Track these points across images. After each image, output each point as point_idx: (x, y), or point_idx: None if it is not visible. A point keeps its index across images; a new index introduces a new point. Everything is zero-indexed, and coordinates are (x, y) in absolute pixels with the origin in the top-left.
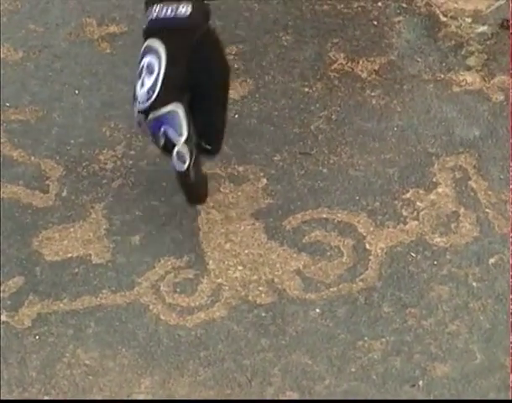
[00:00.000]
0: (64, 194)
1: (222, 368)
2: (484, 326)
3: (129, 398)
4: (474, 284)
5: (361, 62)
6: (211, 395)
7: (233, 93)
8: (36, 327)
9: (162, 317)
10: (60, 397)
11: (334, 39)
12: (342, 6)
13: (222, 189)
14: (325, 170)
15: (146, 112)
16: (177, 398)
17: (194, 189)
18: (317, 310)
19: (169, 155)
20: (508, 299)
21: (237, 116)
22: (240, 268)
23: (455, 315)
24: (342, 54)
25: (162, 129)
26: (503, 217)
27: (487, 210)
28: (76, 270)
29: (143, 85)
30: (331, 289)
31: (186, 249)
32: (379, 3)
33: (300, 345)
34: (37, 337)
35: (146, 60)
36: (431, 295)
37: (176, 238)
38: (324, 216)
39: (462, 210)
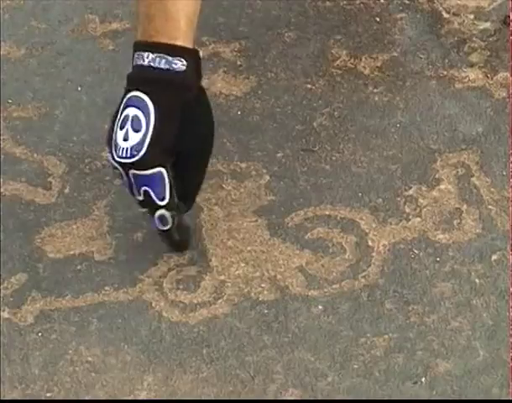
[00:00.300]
0: (66, 191)
1: (224, 365)
2: (487, 322)
3: (132, 395)
4: (477, 280)
5: (363, 59)
6: (214, 392)
7: (236, 90)
8: (39, 323)
9: (164, 314)
10: (63, 394)
11: (337, 35)
12: (345, 2)
13: (224, 186)
14: (327, 167)
15: (127, 166)
16: (180, 395)
17: (176, 243)
18: (320, 307)
19: (148, 213)
20: (510, 295)
21: (239, 112)
22: (243, 265)
23: (457, 311)
24: (344, 51)
25: (143, 189)
26: (505, 213)
27: (489, 207)
28: (79, 267)
29: (126, 139)
30: (334, 286)
31: (189, 246)
32: (382, 0)
33: (303, 342)
34: (39, 334)
35: (131, 112)
36: (433, 291)
37: None
38: (327, 212)
39: (464, 207)
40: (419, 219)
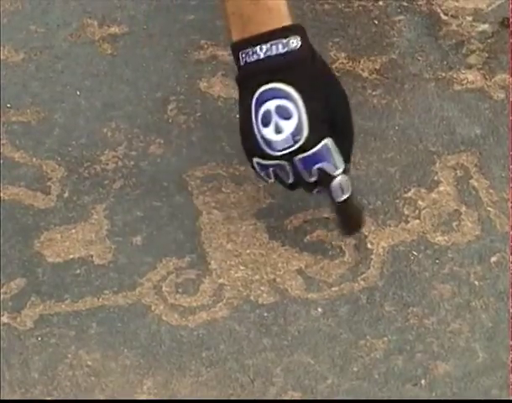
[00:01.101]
0: (65, 195)
1: (224, 369)
2: (486, 324)
3: (132, 399)
4: (476, 282)
5: (362, 61)
6: (214, 396)
7: (235, 93)
8: (38, 328)
9: (164, 318)
10: (63, 398)
11: (335, 38)
12: (343, 5)
13: (223, 189)
14: None
15: (293, 153)
16: (179, 398)
17: (353, 216)
18: (319, 309)
19: (322, 189)
20: (510, 297)
21: (238, 116)
22: (242, 268)
23: (457, 313)
24: (343, 54)
25: (316, 167)
26: (504, 215)
27: (488, 208)
28: (78, 271)
29: (280, 131)
30: (333, 288)
31: (188, 249)
32: (380, 2)
33: (302, 345)
34: (39, 339)
35: (272, 105)
36: (432, 293)
37: (178, 239)
38: (325, 215)
39: (463, 208)
40: (418, 221)
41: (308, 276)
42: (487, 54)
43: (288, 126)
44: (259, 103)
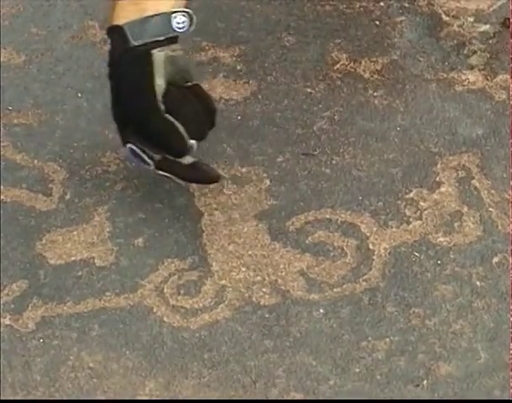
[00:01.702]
0: (67, 197)
1: (226, 370)
2: (488, 325)
3: (134, 399)
4: (478, 283)
5: (363, 62)
6: (216, 397)
7: (236, 95)
8: (40, 330)
9: (166, 319)
10: (65, 400)
11: (336, 39)
12: (344, 6)
13: (225, 190)
14: (328, 171)
15: None
16: (181, 399)
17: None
18: (321, 310)
19: None
20: (511, 298)
21: (239, 117)
22: (244, 269)
23: (459, 314)
24: (344, 55)
25: None
26: (506, 216)
27: (490, 209)
28: (80, 273)
29: None
30: (335, 289)
31: (190, 251)
32: (381, 3)
33: (305, 346)
34: (41, 341)
35: None
36: (434, 294)
37: (180, 240)
38: (327, 216)
39: (465, 209)
40: (419, 222)
41: (310, 277)
42: (488, 55)
43: None
44: None
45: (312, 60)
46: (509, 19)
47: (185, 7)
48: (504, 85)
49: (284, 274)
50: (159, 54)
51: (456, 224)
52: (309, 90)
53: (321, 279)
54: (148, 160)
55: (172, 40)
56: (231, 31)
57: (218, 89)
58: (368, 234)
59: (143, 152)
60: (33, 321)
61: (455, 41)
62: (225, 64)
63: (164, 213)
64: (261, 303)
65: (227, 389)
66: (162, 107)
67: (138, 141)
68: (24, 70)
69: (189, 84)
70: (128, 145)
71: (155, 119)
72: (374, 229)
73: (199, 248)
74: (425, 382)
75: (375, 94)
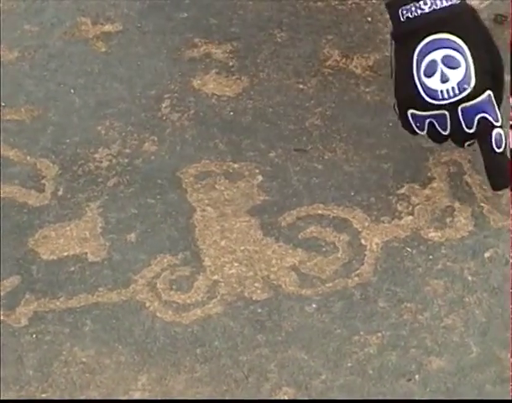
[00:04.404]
0: (60, 193)
1: (218, 365)
2: (480, 319)
3: (126, 395)
4: (469, 278)
5: (355, 58)
6: (208, 392)
7: (228, 90)
8: (33, 325)
9: (158, 314)
10: (57, 395)
11: (328, 35)
12: (337, 2)
13: (217, 186)
14: (320, 166)
15: (458, 103)
16: (174, 394)
17: (505, 171)
18: (313, 305)
19: (479, 141)
20: (503, 292)
21: (232, 113)
22: (236, 264)
23: (450, 309)
24: (336, 51)
25: (478, 117)
26: (498, 210)
27: (482, 204)
28: (72, 269)
29: (445, 80)
30: (327, 284)
31: (182, 246)
32: (373, 0)
33: (296, 341)
34: (34, 336)
35: (438, 55)
36: (426, 289)
37: (172, 236)
38: (319, 212)
39: (457, 204)
40: (411, 217)
41: (302, 272)
42: None
43: (455, 75)
44: (423, 54)
45: (304, 56)
46: (500, 15)
47: None
48: None
49: (276, 269)
50: None
51: (447, 219)
52: (301, 86)
53: (313, 274)
54: None
55: None
56: (223, 27)
57: (210, 85)
58: (359, 229)
59: None
60: (26, 316)
61: None
62: (217, 60)
63: (156, 209)
64: (253, 298)
65: (220, 384)
66: None
67: None
68: (17, 67)
69: None
70: None
71: None
72: (366, 224)
73: (191, 244)
74: (416, 376)
75: (367, 90)
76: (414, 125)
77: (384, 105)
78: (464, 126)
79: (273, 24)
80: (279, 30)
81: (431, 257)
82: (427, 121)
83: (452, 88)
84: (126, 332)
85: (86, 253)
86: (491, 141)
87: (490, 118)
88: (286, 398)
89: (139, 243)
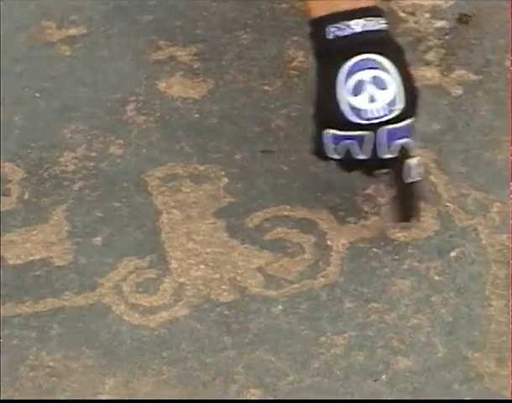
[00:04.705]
0: (25, 197)
1: (185, 367)
2: (446, 319)
3: (93, 398)
4: (436, 277)
5: None
6: (175, 394)
7: (193, 93)
8: None
9: (125, 318)
10: (24, 399)
11: (293, 36)
12: (301, 4)
13: (183, 188)
14: (285, 168)
15: (383, 124)
16: (141, 397)
17: (412, 202)
18: (280, 306)
19: (395, 169)
20: (469, 291)
21: (197, 115)
22: (202, 267)
23: (417, 309)
24: (301, 52)
25: (399, 142)
26: (463, 210)
27: (447, 204)
28: (39, 273)
29: (373, 100)
30: (294, 285)
31: (148, 249)
32: None
33: (263, 342)
34: (0, 341)
35: (367, 75)
36: (392, 289)
37: (138, 239)
38: (285, 213)
39: (422, 204)
40: (377, 218)
41: (268, 274)
42: (444, 51)
43: (383, 95)
44: (350, 73)
45: (269, 57)
46: (465, 15)
47: None
48: (461, 80)
49: (242, 271)
50: None
51: (413, 219)
52: (266, 87)
53: (279, 275)
54: None
55: None
56: (188, 30)
57: (176, 88)
58: (326, 230)
59: None
60: None
61: (411, 37)
62: (182, 62)
63: (122, 212)
64: (220, 300)
65: (187, 387)
66: None
67: None
68: None
69: None
70: None
71: None
72: (332, 225)
73: (157, 247)
74: (383, 376)
75: None
76: (329, 147)
77: None
78: (383, 150)
79: (237, 26)
80: (243, 32)
81: (397, 257)
82: (345, 142)
83: (382, 108)
84: (93, 335)
85: (52, 257)
86: (410, 168)
87: (410, 145)
88: (253, 399)
89: (105, 246)
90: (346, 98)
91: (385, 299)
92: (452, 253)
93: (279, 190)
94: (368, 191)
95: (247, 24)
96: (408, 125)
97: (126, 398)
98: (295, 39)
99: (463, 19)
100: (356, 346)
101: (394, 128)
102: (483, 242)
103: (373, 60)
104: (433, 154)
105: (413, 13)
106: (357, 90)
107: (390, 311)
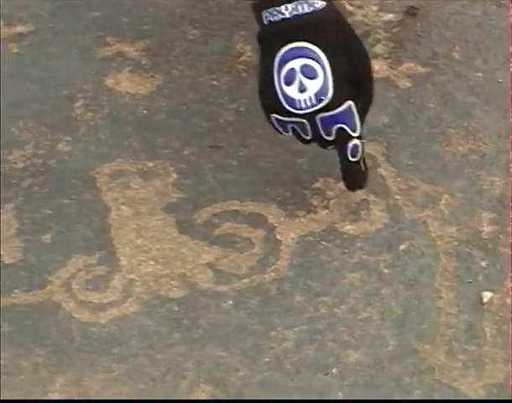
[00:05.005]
0: None
1: (135, 364)
2: (396, 312)
3: (44, 396)
4: (385, 270)
5: None
6: (126, 391)
7: (142, 89)
8: None
9: (75, 315)
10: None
11: (241, 31)
12: None
13: (132, 185)
14: (234, 163)
15: (315, 113)
16: (91, 395)
17: (359, 176)
18: (230, 302)
19: (337, 148)
20: (419, 284)
21: (145, 111)
22: (152, 263)
23: (367, 302)
24: (249, 47)
25: (336, 127)
26: (412, 203)
27: (396, 197)
28: None
29: (303, 90)
30: (244, 280)
31: (98, 246)
32: None
33: (213, 337)
34: None
35: (297, 64)
36: (342, 283)
37: (87, 236)
38: (234, 208)
39: (371, 197)
40: (326, 211)
41: (218, 269)
42: (392, 44)
43: (313, 85)
44: (283, 61)
45: (217, 52)
46: (412, 7)
47: None
48: (409, 73)
49: (192, 266)
50: None
51: (362, 212)
52: (214, 82)
53: (229, 270)
54: None
55: None
56: (135, 25)
57: (124, 84)
58: (275, 225)
59: None
60: None
61: (359, 31)
62: (130, 58)
63: (71, 209)
64: (169, 296)
65: (137, 383)
66: None
67: None
68: None
69: None
70: None
71: None
72: (282, 219)
73: (107, 243)
74: (334, 370)
75: None
76: (278, 128)
77: None
78: (323, 134)
79: (185, 21)
80: (191, 27)
81: (346, 250)
82: (289, 126)
83: (310, 98)
84: (42, 333)
85: (1, 255)
86: (346, 151)
87: (348, 129)
88: (204, 395)
89: (55, 243)
90: (282, 87)
91: (335, 292)
92: (402, 246)
93: (228, 185)
94: (317, 185)
95: (194, 19)
96: (341, 111)
97: (76, 395)
98: (242, 33)
99: (411, 12)
100: (306, 340)
101: (328, 116)
102: (433, 234)
103: (304, 48)
104: (382, 147)
105: (361, 7)
106: (289, 79)
107: (340, 304)
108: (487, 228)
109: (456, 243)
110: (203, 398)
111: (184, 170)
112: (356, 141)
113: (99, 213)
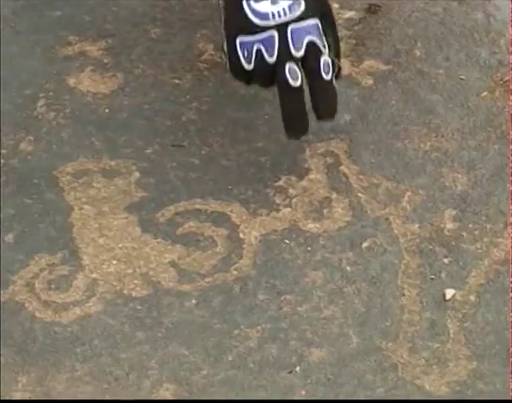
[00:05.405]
0: None
1: (98, 363)
2: (359, 309)
3: (7, 396)
4: (348, 268)
5: None
6: (89, 391)
7: (103, 88)
8: None
9: (38, 315)
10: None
11: (203, 30)
12: None
13: (94, 184)
14: (197, 161)
15: (286, 24)
16: (54, 395)
17: (333, 100)
18: (193, 300)
19: (311, 66)
20: (382, 282)
21: (107, 110)
22: (114, 262)
23: (330, 300)
24: (211, 45)
25: (307, 39)
26: (375, 200)
27: (359, 194)
28: None
29: (275, 2)
30: (206, 279)
31: (60, 246)
32: None
33: (177, 336)
34: None
35: None
36: (305, 281)
37: (50, 235)
38: (197, 207)
39: (334, 195)
40: (289, 209)
41: (181, 268)
42: (354, 41)
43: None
44: None
45: (179, 51)
46: (374, 5)
47: None
48: (371, 71)
49: (155, 265)
50: None
51: (325, 210)
52: (176, 81)
53: (192, 269)
54: None
55: None
56: (97, 25)
57: (86, 83)
58: (238, 223)
59: None
60: None
61: None
62: (92, 57)
63: (33, 208)
64: (132, 295)
65: (100, 382)
66: None
67: None
68: None
69: None
70: None
71: None
72: (244, 218)
73: (69, 243)
74: (297, 368)
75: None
76: (242, 56)
77: (260, 98)
78: (292, 48)
79: (147, 20)
80: (153, 26)
81: (309, 248)
82: (255, 47)
83: (283, 9)
84: (5, 333)
85: None
86: (319, 66)
87: (318, 43)
88: (167, 394)
89: (17, 243)
90: (251, 6)
91: (298, 291)
92: (364, 244)
93: (191, 183)
94: (280, 183)
95: (156, 18)
96: (312, 24)
97: (39, 395)
98: (204, 32)
99: (372, 10)
100: (269, 338)
101: (299, 27)
102: (395, 231)
103: None
104: (344, 144)
105: None
106: None
107: (303, 302)
108: (449, 225)
109: (418, 240)
110: (166, 397)
111: (146, 168)
112: (327, 57)
113: (62, 213)
